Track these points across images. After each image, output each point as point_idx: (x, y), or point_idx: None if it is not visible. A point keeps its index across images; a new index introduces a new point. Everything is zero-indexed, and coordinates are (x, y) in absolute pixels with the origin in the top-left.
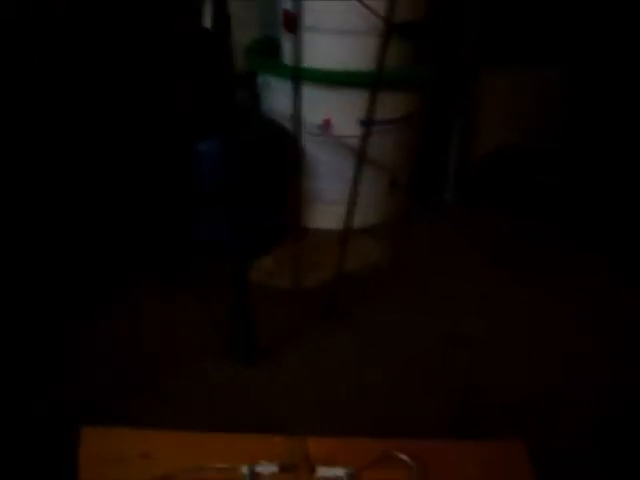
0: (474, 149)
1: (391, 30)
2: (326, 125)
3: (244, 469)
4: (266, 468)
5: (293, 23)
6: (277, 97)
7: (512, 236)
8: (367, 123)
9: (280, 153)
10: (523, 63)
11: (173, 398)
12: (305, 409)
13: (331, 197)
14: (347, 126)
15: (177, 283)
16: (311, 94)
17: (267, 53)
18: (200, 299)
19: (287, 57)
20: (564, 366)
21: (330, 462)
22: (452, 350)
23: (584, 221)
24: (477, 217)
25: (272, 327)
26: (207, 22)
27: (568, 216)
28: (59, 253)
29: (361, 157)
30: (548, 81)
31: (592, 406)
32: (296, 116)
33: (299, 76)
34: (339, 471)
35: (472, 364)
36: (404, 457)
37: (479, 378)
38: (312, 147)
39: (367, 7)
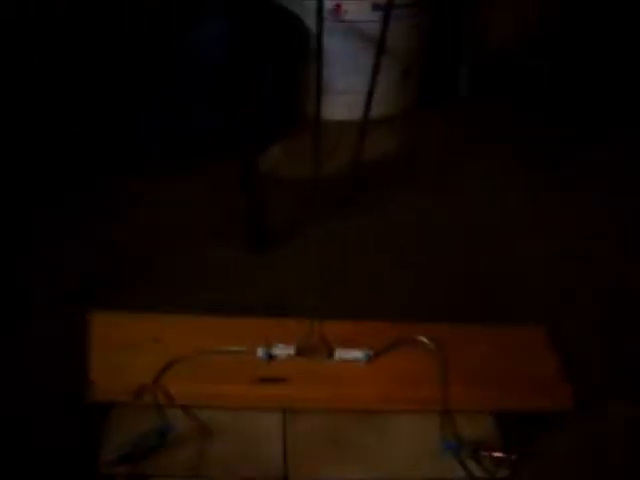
0: (488, 40)
1: None
2: (337, 9)
3: (260, 351)
4: (283, 350)
5: None
6: None
7: (524, 128)
8: (386, 7)
9: (286, 37)
10: None
11: (182, 284)
12: (320, 295)
13: (342, 87)
14: (360, 10)
15: (193, 167)
16: None
17: None
18: (214, 185)
19: None
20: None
21: (348, 345)
22: (470, 240)
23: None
24: (491, 109)
25: (284, 216)
26: None
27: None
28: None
29: (381, 44)
30: None
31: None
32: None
33: None
34: (357, 353)
35: (490, 253)
36: (423, 339)
37: (498, 266)
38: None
39: None
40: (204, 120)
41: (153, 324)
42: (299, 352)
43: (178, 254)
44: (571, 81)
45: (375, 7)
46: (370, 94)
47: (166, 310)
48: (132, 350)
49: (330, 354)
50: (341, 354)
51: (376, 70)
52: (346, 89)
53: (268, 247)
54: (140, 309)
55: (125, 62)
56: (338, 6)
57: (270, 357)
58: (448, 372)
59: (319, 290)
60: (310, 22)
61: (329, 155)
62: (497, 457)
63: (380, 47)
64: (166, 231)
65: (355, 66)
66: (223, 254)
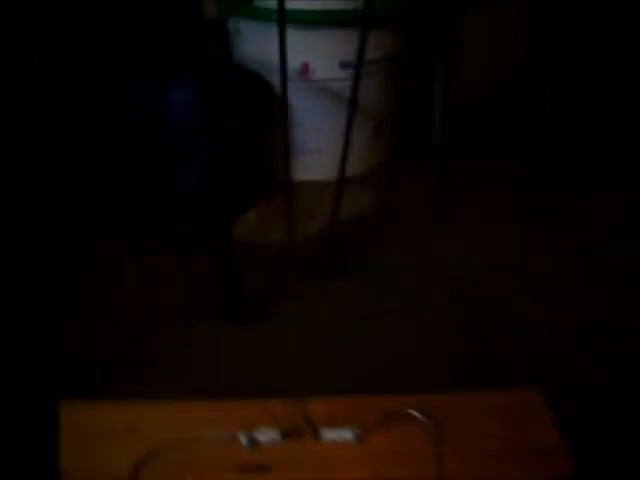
0: (460, 89)
1: None
2: (305, 69)
3: (242, 438)
4: (267, 435)
5: None
6: (249, 43)
7: (504, 175)
8: (356, 65)
9: (254, 100)
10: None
11: (158, 365)
12: (303, 370)
13: (313, 147)
14: (327, 69)
15: (159, 241)
16: (288, 37)
17: None
18: (184, 258)
19: None
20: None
21: (335, 424)
22: (458, 299)
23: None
24: (467, 159)
25: (261, 285)
26: None
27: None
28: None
29: (353, 101)
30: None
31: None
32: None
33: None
34: (346, 432)
35: (479, 312)
36: (414, 413)
37: (487, 326)
38: (290, 94)
39: None
40: (173, 184)
41: (127, 412)
42: (284, 435)
43: (149, 333)
44: (546, 125)
45: (343, 65)
46: (345, 153)
47: (141, 397)
48: (106, 442)
49: (316, 435)
50: (328, 434)
51: (349, 128)
52: (318, 149)
53: (246, 320)
54: (110, 397)
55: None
56: (305, 65)
57: (253, 443)
58: (443, 448)
59: (302, 365)
60: (275, 81)
61: (304, 217)
62: None
63: (352, 105)
64: (135, 308)
65: (326, 125)
66: (198, 330)
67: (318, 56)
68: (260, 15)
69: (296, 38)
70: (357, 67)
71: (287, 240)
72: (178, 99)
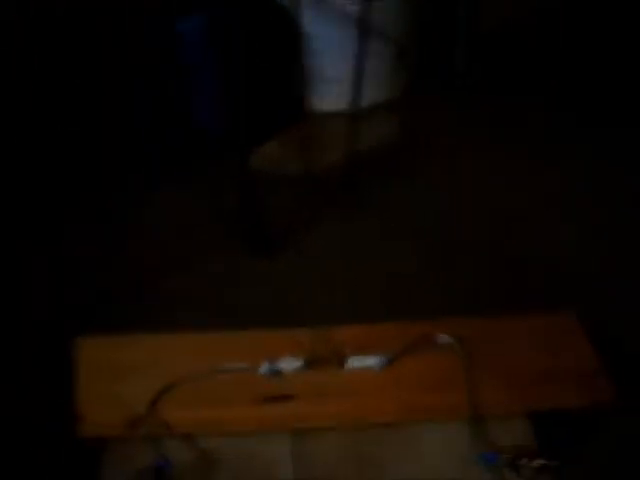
0: (484, 18)
1: None
2: None
3: (264, 367)
4: (289, 364)
5: None
6: None
7: (525, 111)
8: None
9: (273, 27)
10: None
11: (183, 296)
12: (331, 299)
13: (333, 75)
14: None
15: (191, 173)
16: None
17: None
18: (214, 189)
19: None
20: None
21: (361, 352)
22: (482, 224)
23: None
24: (488, 90)
25: (285, 215)
26: None
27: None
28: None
29: (364, 23)
30: None
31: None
32: None
33: None
34: (371, 360)
35: (507, 236)
36: (444, 337)
37: (517, 249)
38: (308, 20)
39: None
40: (198, 120)
41: (147, 346)
42: (308, 365)
43: (176, 266)
44: (570, 63)
45: None
46: (358, 80)
47: (164, 329)
48: (124, 376)
49: (341, 364)
50: (354, 362)
51: (361, 54)
52: (338, 77)
53: (269, 250)
54: (137, 328)
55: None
56: None
57: (276, 373)
58: (475, 373)
59: (326, 295)
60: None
61: (324, 148)
62: (537, 465)
63: (362, 27)
64: (164, 239)
65: (346, 52)
66: (223, 261)
67: None
68: None
69: None
70: None
71: (305, 170)
72: (189, 31)
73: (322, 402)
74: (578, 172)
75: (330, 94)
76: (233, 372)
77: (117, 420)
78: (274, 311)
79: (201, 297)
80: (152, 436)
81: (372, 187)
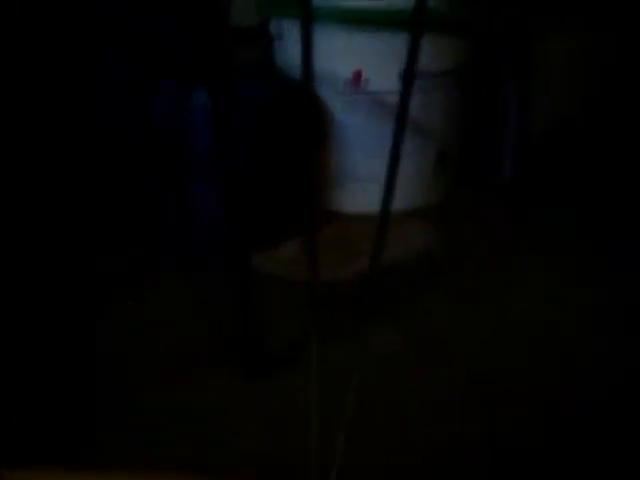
0: (536, 120)
1: None
2: (356, 79)
3: None
4: None
5: None
6: (293, 48)
7: (577, 228)
8: (405, 70)
9: (293, 115)
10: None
11: (153, 426)
12: (331, 445)
13: (365, 172)
14: (384, 80)
15: (174, 274)
16: (336, 39)
17: None
18: (198, 296)
19: None
20: None
21: None
22: (524, 355)
23: None
24: (539, 199)
25: (291, 329)
26: None
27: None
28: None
29: (401, 116)
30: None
31: None
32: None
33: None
34: None
35: (556, 371)
36: None
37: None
38: (340, 109)
39: None
40: (191, 212)
41: None
42: None
43: (150, 388)
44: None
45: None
46: (390, 179)
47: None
48: None
49: None
50: None
51: (396, 149)
52: (372, 176)
53: (264, 372)
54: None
55: None
56: (357, 74)
57: None
58: None
59: (335, 434)
60: (323, 92)
61: (348, 254)
62: None
63: (400, 119)
64: (141, 355)
65: (382, 148)
66: (208, 385)
67: (373, 64)
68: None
69: (347, 41)
70: (407, 74)
71: (310, 280)
72: (195, 113)
73: None
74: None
75: (360, 195)
76: None
77: None
78: (268, 447)
79: (175, 429)
80: None
81: (399, 303)
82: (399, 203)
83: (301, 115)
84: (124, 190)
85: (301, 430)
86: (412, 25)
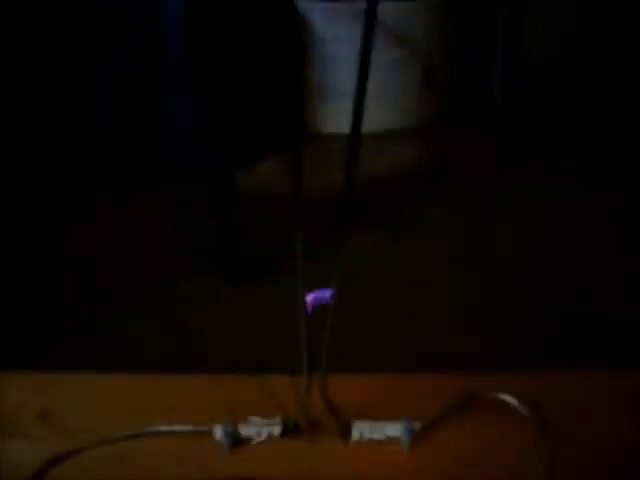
0: (527, 43)
1: None
2: None
3: (220, 432)
4: (259, 429)
5: None
6: None
7: (565, 144)
8: None
9: (275, 23)
10: None
11: (137, 327)
12: (322, 341)
13: (348, 89)
14: None
15: (157, 184)
16: None
17: None
18: (183, 205)
19: None
20: None
21: (377, 413)
22: (515, 255)
23: None
24: (525, 125)
25: (271, 238)
26: None
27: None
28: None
29: (370, 18)
30: None
31: None
32: None
33: None
34: (392, 428)
35: (548, 269)
36: (506, 398)
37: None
38: (320, 20)
39: None
40: (175, 123)
41: (46, 390)
42: (288, 430)
43: (134, 286)
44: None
45: None
46: (360, 93)
47: (102, 365)
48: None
49: (345, 432)
50: (364, 431)
51: (367, 48)
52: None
53: (249, 277)
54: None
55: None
56: None
57: (236, 441)
58: (556, 456)
59: (319, 335)
60: (303, 3)
61: (330, 170)
62: None
63: (368, 23)
64: (126, 258)
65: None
66: (191, 287)
67: None
68: None
69: None
70: None
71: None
72: (171, 12)
73: None
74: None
75: (343, 113)
76: (171, 436)
77: None
78: (247, 351)
79: (160, 325)
80: None
81: (386, 211)
82: (386, 121)
83: (280, 26)
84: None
85: (280, 327)
86: None
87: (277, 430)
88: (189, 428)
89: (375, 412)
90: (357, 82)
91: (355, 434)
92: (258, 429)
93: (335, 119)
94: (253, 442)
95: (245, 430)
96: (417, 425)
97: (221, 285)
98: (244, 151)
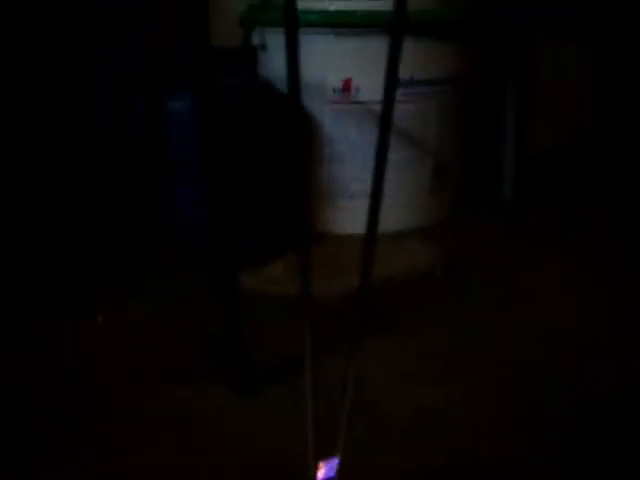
0: (537, 136)
1: None
2: (346, 88)
3: None
4: None
5: None
6: (277, 59)
7: (583, 248)
8: (388, 75)
9: (280, 127)
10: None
11: (133, 440)
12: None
13: (358, 188)
14: (375, 88)
15: (157, 291)
16: (324, 46)
17: (266, 8)
18: (184, 310)
19: None
20: None
21: None
22: (531, 365)
23: None
24: (541, 218)
25: (279, 344)
26: None
27: None
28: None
29: (385, 121)
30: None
31: None
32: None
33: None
34: None
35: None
36: None
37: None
38: (329, 120)
39: None
40: (180, 222)
41: None
42: None
43: (130, 397)
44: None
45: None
46: (375, 194)
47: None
48: None
49: None
50: None
51: (382, 156)
52: (364, 192)
53: (254, 387)
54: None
55: None
56: (347, 82)
57: None
58: None
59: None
60: (311, 103)
61: (341, 271)
62: None
63: (384, 125)
64: (118, 364)
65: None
66: (191, 398)
67: (364, 71)
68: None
69: (335, 48)
70: (389, 78)
71: (303, 293)
72: (176, 118)
73: None
74: None
75: (353, 213)
76: None
77: None
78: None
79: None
80: None
81: (399, 316)
82: (397, 222)
83: (286, 125)
84: (112, 188)
85: (283, 439)
86: (392, 24)
87: None
88: None
89: None
90: (373, 184)
91: None
92: None
93: (345, 219)
94: None
95: None
96: None
97: (228, 394)
98: (250, 254)
